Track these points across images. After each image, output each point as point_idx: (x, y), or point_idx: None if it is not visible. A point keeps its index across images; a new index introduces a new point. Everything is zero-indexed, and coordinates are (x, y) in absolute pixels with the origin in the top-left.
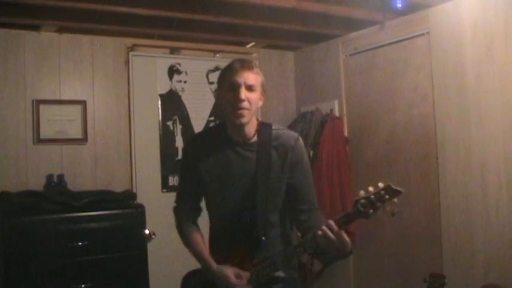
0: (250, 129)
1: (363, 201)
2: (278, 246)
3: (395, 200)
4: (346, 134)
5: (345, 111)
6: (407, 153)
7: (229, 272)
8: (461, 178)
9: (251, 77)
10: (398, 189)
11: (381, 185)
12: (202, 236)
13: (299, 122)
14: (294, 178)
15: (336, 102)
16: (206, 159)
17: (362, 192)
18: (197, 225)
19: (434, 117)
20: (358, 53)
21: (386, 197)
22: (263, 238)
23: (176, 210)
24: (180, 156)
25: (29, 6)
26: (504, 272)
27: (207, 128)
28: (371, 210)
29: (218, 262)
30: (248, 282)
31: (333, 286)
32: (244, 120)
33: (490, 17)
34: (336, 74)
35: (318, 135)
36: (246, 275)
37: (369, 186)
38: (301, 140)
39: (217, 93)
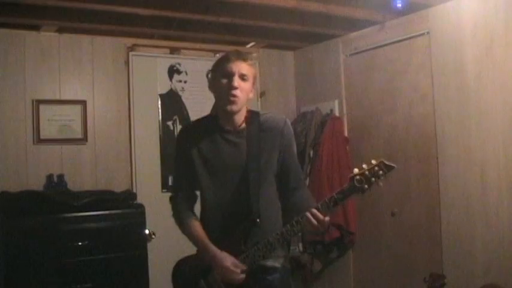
0: (240, 117)
1: (358, 177)
2: (272, 229)
3: (387, 175)
4: (346, 134)
5: (345, 111)
6: (407, 153)
7: (228, 259)
8: (461, 178)
9: (245, 67)
10: (392, 164)
11: (374, 161)
12: (199, 222)
13: (299, 122)
14: (284, 159)
15: (336, 102)
16: (198, 147)
17: (356, 170)
18: (194, 212)
19: (434, 117)
20: (358, 53)
21: (380, 172)
22: (258, 220)
23: (172, 199)
24: None
25: (29, 6)
26: (504, 272)
27: (198, 118)
28: (366, 186)
29: None
30: (242, 272)
31: (333, 286)
32: (235, 107)
33: (490, 17)
34: (336, 74)
35: (318, 135)
36: (242, 266)
37: (362, 164)
38: (288, 122)
39: (210, 82)
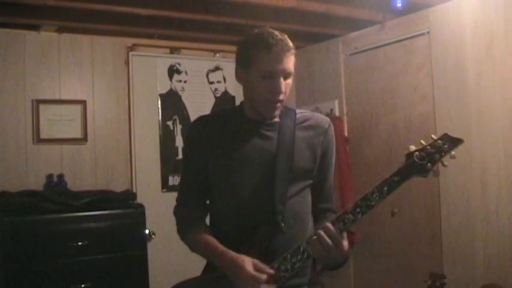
0: None
1: (418, 153)
2: (302, 236)
3: (454, 152)
4: (346, 134)
5: (345, 111)
6: None
7: (247, 261)
8: (461, 178)
9: (291, 63)
10: (458, 137)
11: (434, 136)
12: (212, 234)
13: None
14: (321, 166)
15: (336, 102)
16: (217, 140)
17: (412, 147)
18: (205, 224)
19: (434, 117)
20: (358, 52)
21: (446, 146)
22: (282, 225)
23: (178, 211)
24: (180, 156)
25: (29, 6)
26: (504, 272)
27: (215, 110)
28: (429, 164)
29: None
30: (269, 278)
31: (333, 286)
32: (277, 113)
33: (490, 16)
34: (336, 74)
35: None
36: (268, 270)
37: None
38: (332, 126)
39: (240, 74)
